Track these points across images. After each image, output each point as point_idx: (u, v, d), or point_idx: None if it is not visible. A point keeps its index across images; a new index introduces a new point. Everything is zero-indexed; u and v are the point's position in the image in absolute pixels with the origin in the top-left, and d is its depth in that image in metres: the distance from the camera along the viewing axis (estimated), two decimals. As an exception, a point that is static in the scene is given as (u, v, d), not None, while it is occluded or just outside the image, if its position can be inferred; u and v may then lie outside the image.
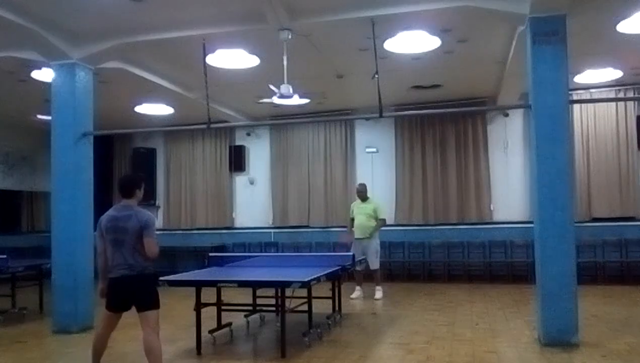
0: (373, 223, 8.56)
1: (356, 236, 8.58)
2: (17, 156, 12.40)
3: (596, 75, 9.00)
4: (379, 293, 8.56)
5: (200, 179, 12.33)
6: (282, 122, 11.03)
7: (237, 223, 12.13)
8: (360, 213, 8.64)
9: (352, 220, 8.77)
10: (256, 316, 6.77)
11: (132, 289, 4.19)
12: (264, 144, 12.05)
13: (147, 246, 4.12)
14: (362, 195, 8.77)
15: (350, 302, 8.13)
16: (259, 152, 12.10)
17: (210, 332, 5.76)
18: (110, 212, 4.34)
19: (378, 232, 8.66)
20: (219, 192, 12.18)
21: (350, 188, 11.07)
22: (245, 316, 6.60)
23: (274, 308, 6.24)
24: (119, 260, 4.17)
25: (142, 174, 4.59)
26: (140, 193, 4.40)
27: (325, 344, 5.69)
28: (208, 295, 5.80)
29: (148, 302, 4.18)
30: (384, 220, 8.78)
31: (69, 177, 6.73)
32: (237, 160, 12.08)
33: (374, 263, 8.54)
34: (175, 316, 7.02)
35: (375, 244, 8.57)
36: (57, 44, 6.51)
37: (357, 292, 8.61)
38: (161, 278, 5.36)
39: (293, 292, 5.26)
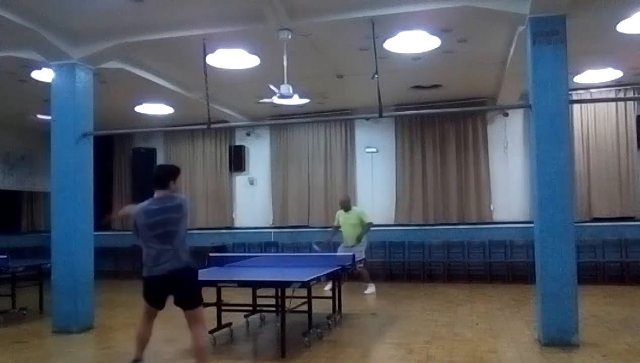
0: (358, 231, 8.96)
1: (345, 245, 9.02)
2: (17, 156, 12.39)
3: (596, 75, 9.00)
4: (370, 289, 9.02)
5: (200, 179, 12.32)
6: (282, 122, 11.04)
7: (237, 223, 12.13)
8: (346, 223, 9.10)
9: (337, 228, 9.26)
10: (256, 316, 6.77)
11: (180, 284, 3.99)
12: (264, 144, 12.05)
13: None
14: (345, 205, 9.23)
15: (350, 302, 8.09)
16: (259, 152, 12.10)
17: (210, 332, 5.74)
18: (149, 207, 3.99)
19: (366, 236, 9.04)
20: (219, 192, 12.18)
21: (350, 189, 11.09)
22: (245, 316, 6.60)
23: (274, 308, 6.25)
24: (167, 254, 3.91)
25: (178, 166, 4.38)
26: (174, 186, 4.12)
27: (325, 344, 5.69)
28: (208, 295, 5.78)
29: (197, 297, 4.13)
30: (370, 223, 9.13)
31: (69, 177, 6.73)
32: (237, 160, 12.09)
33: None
34: (175, 316, 6.97)
35: (359, 247, 8.84)
36: (57, 44, 6.51)
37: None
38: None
39: (293, 292, 5.27)
